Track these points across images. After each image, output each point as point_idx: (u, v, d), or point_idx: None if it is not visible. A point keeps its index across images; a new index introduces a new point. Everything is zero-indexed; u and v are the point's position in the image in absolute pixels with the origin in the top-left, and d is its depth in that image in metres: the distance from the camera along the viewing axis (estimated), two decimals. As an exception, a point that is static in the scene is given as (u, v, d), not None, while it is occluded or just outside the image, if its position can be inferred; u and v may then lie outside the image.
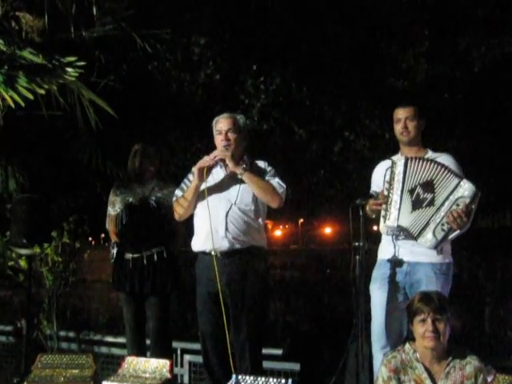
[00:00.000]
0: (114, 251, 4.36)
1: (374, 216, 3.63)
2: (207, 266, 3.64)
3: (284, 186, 3.68)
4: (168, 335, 4.31)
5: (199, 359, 4.76)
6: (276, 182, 3.67)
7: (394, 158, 3.67)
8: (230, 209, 3.60)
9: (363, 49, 7.30)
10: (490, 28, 6.94)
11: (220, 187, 3.66)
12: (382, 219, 3.57)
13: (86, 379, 3.69)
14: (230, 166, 3.59)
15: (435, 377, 2.84)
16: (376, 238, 3.82)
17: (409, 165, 3.47)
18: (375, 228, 3.92)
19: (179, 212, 3.76)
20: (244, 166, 3.61)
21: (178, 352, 5.02)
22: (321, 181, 8.28)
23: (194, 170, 3.60)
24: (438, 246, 3.41)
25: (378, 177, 3.73)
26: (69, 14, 4.88)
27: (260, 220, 3.70)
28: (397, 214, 3.45)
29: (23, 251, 4.55)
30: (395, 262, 3.55)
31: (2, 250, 5.75)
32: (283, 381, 2.92)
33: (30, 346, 4.49)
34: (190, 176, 3.78)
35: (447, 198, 3.36)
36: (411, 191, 3.45)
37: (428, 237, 3.39)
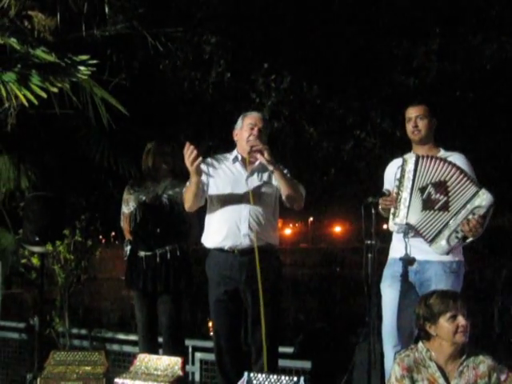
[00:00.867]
0: (128, 249, 4.37)
1: (386, 215, 3.62)
2: (222, 263, 3.64)
3: (304, 189, 3.72)
4: (180, 333, 4.32)
5: (210, 357, 4.77)
6: (299, 184, 3.71)
7: (406, 156, 3.66)
8: (252, 208, 3.60)
9: (374, 47, 7.28)
10: (502, 25, 6.90)
11: (240, 185, 3.65)
12: (391, 217, 3.57)
13: (99, 376, 3.72)
14: (265, 158, 3.50)
15: (448, 376, 2.83)
16: (386, 237, 3.82)
17: (420, 163, 3.47)
18: (385, 226, 3.91)
19: (187, 204, 3.74)
20: (277, 163, 3.59)
21: (190, 350, 5.03)
22: (331, 179, 8.26)
23: (189, 167, 3.50)
24: (449, 253, 3.41)
25: (390, 175, 3.72)
26: (81, 12, 4.90)
27: (276, 219, 3.73)
28: (406, 211, 3.45)
29: (36, 249, 4.58)
30: (406, 261, 3.54)
31: (15, 248, 5.79)
32: (295, 379, 2.92)
33: (42, 343, 4.52)
34: (204, 166, 3.73)
35: (464, 205, 3.34)
36: (422, 189, 3.44)
37: (441, 243, 3.39)
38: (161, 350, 4.28)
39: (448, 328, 2.81)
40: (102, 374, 3.75)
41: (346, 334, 4.86)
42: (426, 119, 3.63)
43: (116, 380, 3.38)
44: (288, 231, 44.45)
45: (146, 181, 4.37)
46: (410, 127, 3.65)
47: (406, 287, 3.55)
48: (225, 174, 3.70)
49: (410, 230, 3.51)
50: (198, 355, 5.02)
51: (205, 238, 3.77)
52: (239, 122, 3.77)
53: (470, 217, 3.32)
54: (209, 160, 3.80)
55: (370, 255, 3.36)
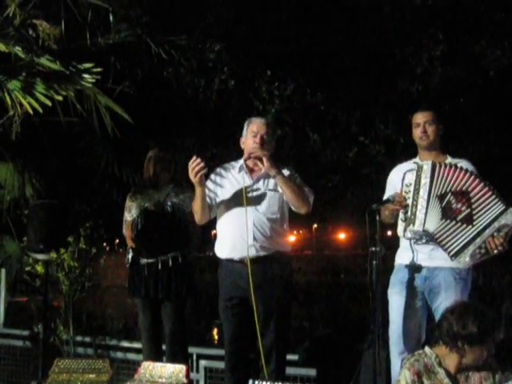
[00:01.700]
0: (130, 256, 4.37)
1: (392, 221, 3.60)
2: (232, 272, 3.64)
3: (312, 192, 3.70)
4: (184, 340, 4.31)
5: (215, 365, 4.77)
6: (306, 188, 3.68)
7: (419, 161, 3.62)
8: (257, 217, 3.58)
9: (377, 53, 7.28)
10: (505, 31, 6.90)
11: (247, 194, 3.63)
12: (400, 223, 3.54)
13: (103, 384, 3.71)
14: (266, 165, 3.52)
15: (457, 382, 2.83)
16: (390, 244, 3.80)
17: (437, 169, 3.44)
18: (389, 233, 3.90)
19: (196, 217, 3.76)
20: (278, 168, 3.59)
21: (194, 357, 5.02)
22: (335, 186, 8.25)
23: (192, 179, 3.52)
24: (470, 265, 3.38)
25: (396, 180, 3.70)
26: (85, 21, 4.92)
27: (285, 225, 3.70)
28: (423, 218, 3.40)
29: (40, 256, 4.59)
30: (414, 268, 3.54)
31: (19, 256, 5.80)
32: (300, 386, 2.91)
33: (46, 351, 4.52)
34: (208, 183, 3.75)
35: (491, 223, 3.31)
36: (440, 197, 3.41)
37: (465, 259, 3.34)
38: (164, 358, 4.27)
39: (479, 356, 2.82)
40: (106, 381, 3.76)
41: (350, 341, 4.84)
42: (434, 125, 3.63)
43: (120, 388, 3.37)
44: (292, 238, 44.36)
45: (148, 188, 4.37)
46: (418, 132, 3.65)
47: (415, 294, 3.55)
48: (231, 184, 3.69)
49: (426, 236, 3.48)
50: (203, 363, 5.02)
51: (216, 247, 3.78)
52: (244, 128, 3.77)
53: (495, 234, 3.30)
54: (217, 170, 3.80)
55: (374, 262, 3.35)
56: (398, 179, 3.65)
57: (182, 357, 4.18)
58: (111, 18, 5.05)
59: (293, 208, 3.66)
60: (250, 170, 3.70)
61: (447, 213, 3.39)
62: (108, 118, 4.79)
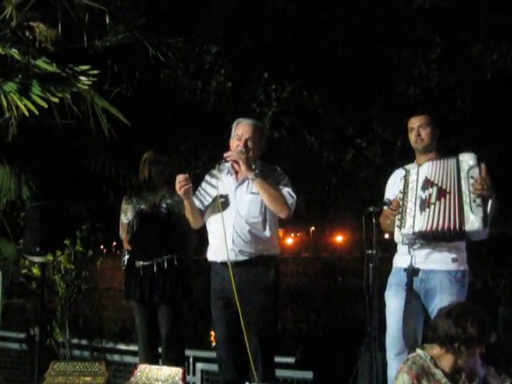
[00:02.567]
0: (126, 259, 4.36)
1: (390, 226, 3.60)
2: (218, 275, 3.66)
3: (294, 196, 3.63)
4: (180, 343, 4.30)
5: (212, 367, 4.76)
6: (286, 191, 3.62)
7: (408, 166, 3.67)
8: (237, 221, 3.58)
9: (374, 56, 7.30)
10: (502, 34, 6.92)
11: (229, 197, 3.63)
12: (396, 228, 3.56)
13: (99, 387, 3.70)
14: (242, 169, 3.54)
15: (455, 380, 2.85)
16: (387, 246, 3.81)
17: (421, 171, 3.49)
18: (387, 236, 3.90)
19: (190, 222, 3.78)
20: (256, 171, 3.59)
21: (191, 360, 5.01)
22: (333, 189, 8.26)
23: (179, 192, 3.55)
24: (486, 224, 3.27)
25: (392, 186, 3.74)
26: (82, 23, 4.92)
27: (268, 229, 3.64)
28: (412, 221, 3.43)
29: (36, 259, 4.57)
30: (410, 270, 3.54)
31: (16, 258, 5.78)
32: (296, 389, 2.91)
33: (42, 354, 4.50)
34: (203, 184, 3.77)
35: (458, 177, 3.35)
36: (419, 196, 3.45)
37: (471, 219, 3.27)
38: (161, 360, 4.26)
39: (474, 357, 2.84)
40: (103, 384, 3.74)
41: (347, 344, 4.84)
42: (429, 128, 3.63)
43: (116, 391, 3.37)
44: (289, 241, 44.37)
45: (143, 190, 4.37)
46: (412, 137, 3.67)
47: (411, 296, 3.55)
48: (216, 187, 3.66)
49: (419, 238, 3.48)
50: (199, 365, 5.01)
51: (207, 250, 3.79)
52: (232, 130, 3.74)
53: (472, 181, 3.30)
54: (211, 171, 3.79)
55: (371, 265, 3.35)
56: (394, 185, 3.69)
57: (179, 359, 4.17)
58: (108, 20, 5.04)
59: (272, 212, 3.63)
60: (236, 173, 3.68)
61: (423, 205, 3.40)
62: (104, 121, 4.78)
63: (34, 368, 4.36)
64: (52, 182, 6.07)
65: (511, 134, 7.50)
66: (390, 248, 3.77)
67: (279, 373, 4.16)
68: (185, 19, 6.68)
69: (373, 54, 7.28)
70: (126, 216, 4.36)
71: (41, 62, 4.20)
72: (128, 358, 5.28)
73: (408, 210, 3.46)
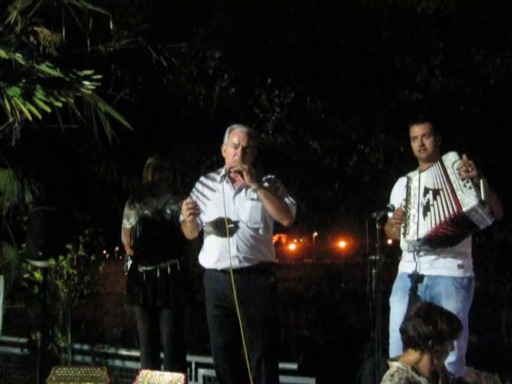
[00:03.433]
0: (128, 264, 4.36)
1: (396, 234, 3.59)
2: (217, 282, 3.63)
3: (295, 203, 3.65)
4: (182, 349, 4.29)
5: (213, 373, 4.72)
6: (288, 199, 3.63)
7: (410, 174, 3.67)
8: (240, 228, 3.56)
9: (377, 62, 7.30)
10: (504, 40, 6.92)
11: (228, 204, 3.58)
12: (401, 236, 3.55)
13: (101, 392, 3.69)
14: (246, 180, 3.50)
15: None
16: (390, 252, 3.80)
17: (422, 177, 3.53)
18: (390, 242, 3.90)
19: (186, 235, 3.79)
20: (260, 182, 3.56)
21: (193, 366, 5.00)
22: (335, 194, 8.25)
23: (185, 216, 3.52)
24: (482, 201, 3.27)
25: (397, 194, 3.76)
26: (86, 28, 4.92)
27: (268, 235, 3.67)
28: (416, 227, 3.44)
29: (39, 263, 4.56)
30: (416, 276, 3.55)
31: (18, 263, 5.78)
32: (299, 396, 2.90)
33: (44, 359, 4.49)
34: (192, 195, 3.73)
35: (446, 174, 3.40)
36: (421, 203, 3.47)
37: (466, 200, 3.28)
38: (163, 366, 4.25)
39: (447, 352, 2.88)
40: (104, 390, 3.73)
41: (350, 350, 4.83)
42: (432, 137, 3.64)
43: (118, 396, 3.36)
44: (292, 246, 44.31)
45: (147, 196, 4.36)
46: (415, 146, 3.67)
47: (416, 301, 3.54)
48: (214, 195, 3.64)
49: (424, 245, 3.49)
50: (201, 371, 5.00)
51: (201, 257, 3.76)
52: (225, 136, 3.70)
53: (456, 172, 3.36)
54: (202, 179, 3.77)
55: (374, 270, 3.35)
56: (397, 193, 3.72)
57: (181, 365, 4.16)
58: (112, 25, 5.05)
59: (275, 219, 3.63)
60: (232, 180, 3.65)
61: (426, 210, 3.43)
62: (108, 126, 4.78)
63: (36, 373, 4.35)
64: (55, 187, 6.07)
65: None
66: (394, 254, 3.77)
67: (282, 379, 4.13)
68: (188, 24, 6.69)
69: (376, 59, 7.28)
70: (129, 221, 4.36)
71: (45, 67, 4.20)
72: (130, 364, 5.27)
73: (411, 217, 3.48)
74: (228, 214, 3.55)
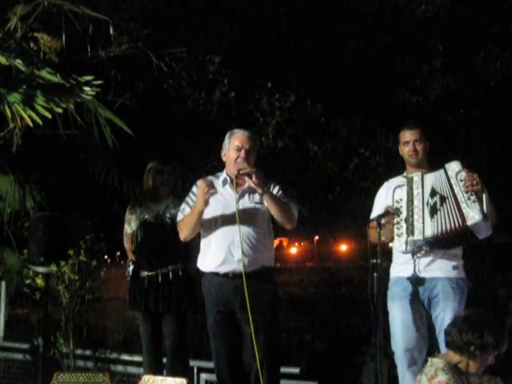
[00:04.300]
0: (130, 269, 4.36)
1: (386, 235, 3.59)
2: (218, 286, 3.62)
3: (297, 207, 3.68)
4: (185, 353, 4.29)
5: (215, 378, 4.73)
6: (292, 203, 3.65)
7: (408, 175, 3.67)
8: (244, 231, 3.55)
9: (377, 65, 7.30)
10: (504, 42, 6.92)
11: (231, 208, 3.58)
12: (397, 238, 3.56)
13: (103, 398, 3.69)
14: (254, 183, 3.47)
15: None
16: (391, 256, 3.80)
17: (426, 179, 3.56)
18: (391, 245, 3.90)
19: (185, 234, 3.71)
20: (268, 185, 3.58)
21: (195, 370, 4.99)
22: (336, 198, 8.24)
23: (201, 197, 3.48)
24: (485, 216, 3.35)
25: (384, 196, 3.77)
26: (86, 34, 4.94)
27: (271, 240, 3.69)
28: (421, 227, 3.47)
29: (40, 269, 4.57)
30: (414, 279, 3.56)
31: (19, 268, 5.78)
32: (301, 400, 2.89)
33: (46, 364, 4.49)
34: (192, 196, 3.72)
35: (449, 184, 3.46)
36: (428, 203, 3.51)
37: (471, 214, 3.36)
38: (165, 371, 4.24)
39: (485, 364, 2.89)
40: (106, 395, 3.72)
41: (352, 354, 4.82)
42: (423, 143, 3.72)
43: (120, 402, 3.35)
44: (294, 250, 44.27)
45: (147, 200, 4.37)
46: (407, 150, 3.72)
47: (415, 305, 3.57)
48: (215, 198, 3.59)
49: (426, 245, 3.52)
50: (204, 376, 5.00)
51: (200, 262, 3.75)
52: (226, 141, 3.71)
53: (462, 183, 3.42)
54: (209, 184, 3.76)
55: (375, 274, 3.35)
56: (388, 196, 3.72)
57: (183, 370, 4.15)
58: (112, 30, 5.06)
59: (278, 223, 3.63)
60: (236, 184, 3.64)
61: (432, 212, 3.48)
62: (108, 131, 4.79)
63: (38, 378, 4.35)
64: (56, 192, 6.08)
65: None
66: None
67: (284, 383, 4.14)
68: (188, 29, 6.70)
69: (376, 62, 7.29)
70: (130, 226, 4.36)
71: (45, 73, 4.21)
72: (132, 369, 5.27)
73: (416, 217, 3.50)
74: (231, 217, 3.55)
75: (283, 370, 4.02)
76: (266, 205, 3.59)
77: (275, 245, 3.91)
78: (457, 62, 7.13)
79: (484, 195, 3.38)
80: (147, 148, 6.29)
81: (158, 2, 6.32)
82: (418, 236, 3.47)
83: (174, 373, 4.02)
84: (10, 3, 4.41)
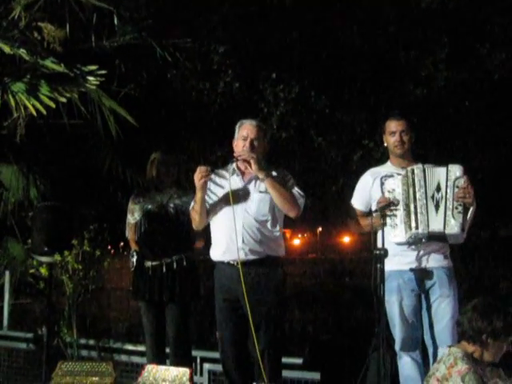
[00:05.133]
0: (134, 259, 4.36)
1: (376, 225, 3.60)
2: (225, 275, 3.65)
3: (303, 195, 3.67)
4: (188, 343, 4.30)
5: (219, 368, 4.74)
6: (296, 191, 3.65)
7: (408, 167, 3.65)
8: (246, 220, 3.58)
9: (382, 56, 7.28)
10: (510, 35, 6.89)
11: (237, 197, 3.62)
12: (390, 229, 3.57)
13: (106, 387, 3.70)
14: (253, 168, 3.54)
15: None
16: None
17: (427, 172, 3.56)
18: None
19: (194, 222, 3.77)
20: (267, 171, 3.59)
21: (198, 360, 5.01)
22: (340, 189, 8.23)
23: (197, 182, 3.56)
24: (464, 228, 3.48)
25: (371, 184, 3.77)
26: (90, 24, 4.93)
27: (277, 229, 3.67)
28: (426, 219, 3.49)
29: (44, 259, 4.58)
30: (413, 271, 3.59)
31: (23, 258, 5.80)
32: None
33: (50, 354, 4.51)
34: (208, 182, 3.75)
35: (446, 184, 3.49)
36: (432, 197, 3.52)
37: (452, 223, 3.46)
38: (168, 361, 4.26)
39: (500, 351, 2.90)
40: (110, 384, 3.74)
41: (355, 345, 4.83)
42: (409, 134, 3.72)
43: (124, 391, 3.37)
44: (297, 241, 44.29)
45: (151, 191, 4.37)
46: (393, 141, 3.72)
47: (413, 297, 3.61)
48: (223, 188, 3.66)
49: (428, 238, 3.54)
50: (207, 366, 5.01)
51: (211, 250, 3.79)
52: (236, 131, 3.76)
53: (456, 189, 3.47)
54: (212, 176, 3.76)
55: (378, 265, 3.36)
56: (375, 185, 3.73)
57: (186, 360, 4.16)
58: (116, 20, 5.05)
59: (282, 211, 3.64)
60: (242, 173, 3.69)
61: (437, 207, 3.52)
62: (112, 121, 4.79)
63: (42, 368, 4.37)
64: (60, 182, 6.08)
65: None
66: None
67: (286, 374, 4.16)
68: (192, 19, 6.68)
69: (380, 54, 7.26)
70: (134, 216, 4.36)
71: (49, 62, 4.21)
72: (135, 359, 5.29)
73: (420, 210, 3.51)
74: (236, 206, 3.57)
75: (286, 360, 4.04)
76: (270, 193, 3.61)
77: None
78: (462, 53, 7.10)
79: (471, 209, 3.48)
80: (151, 138, 6.29)
81: (162, -9, 6.30)
82: (423, 229, 3.49)
83: (177, 362, 4.04)
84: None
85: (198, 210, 3.65)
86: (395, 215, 3.56)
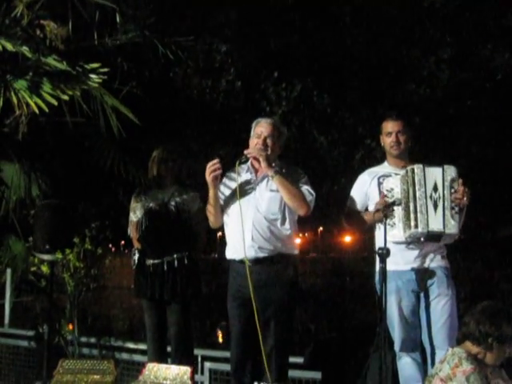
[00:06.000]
0: (136, 257, 4.35)
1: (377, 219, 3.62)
2: (237, 273, 3.67)
3: (313, 194, 3.68)
4: (189, 342, 4.29)
5: (220, 367, 4.76)
6: (305, 189, 3.66)
7: (408, 167, 3.64)
8: (256, 217, 3.59)
9: (385, 55, 7.27)
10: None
11: (248, 194, 3.65)
12: (389, 228, 3.56)
13: (107, 385, 3.70)
14: (262, 166, 3.58)
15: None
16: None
17: (427, 172, 3.56)
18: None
19: (210, 221, 3.82)
20: (276, 168, 3.61)
21: (199, 359, 5.01)
22: (341, 188, 8.22)
23: (208, 179, 3.61)
24: (459, 229, 3.53)
25: (368, 184, 3.79)
26: (92, 21, 4.92)
27: (287, 227, 3.66)
28: (426, 219, 3.49)
29: (46, 257, 4.57)
30: (413, 271, 3.61)
31: (25, 256, 5.80)
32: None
33: (51, 351, 4.51)
34: (224, 179, 3.78)
35: (443, 185, 3.52)
36: (430, 196, 3.54)
37: (451, 223, 3.49)
38: (169, 359, 4.26)
39: (502, 356, 2.90)
40: (111, 382, 3.75)
41: (356, 344, 4.82)
42: (406, 134, 3.74)
43: (125, 389, 3.37)
44: (297, 241, 44.24)
45: (152, 189, 4.37)
46: (389, 141, 3.74)
47: (412, 296, 3.64)
48: (236, 185, 3.68)
49: (427, 238, 3.55)
50: (208, 365, 5.01)
51: (226, 250, 3.81)
52: (252, 129, 3.79)
53: (453, 190, 3.50)
54: (227, 173, 3.81)
55: (380, 265, 3.35)
56: (373, 185, 3.76)
57: (187, 358, 4.15)
58: (118, 18, 5.04)
59: (291, 209, 3.65)
60: (256, 171, 3.72)
61: (435, 206, 3.53)
62: (114, 119, 4.78)
63: (43, 366, 4.36)
64: (61, 180, 6.08)
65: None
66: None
67: (288, 373, 4.14)
68: (195, 18, 6.68)
69: (383, 53, 7.25)
70: (135, 214, 4.36)
71: (51, 60, 4.20)
72: (136, 357, 5.29)
73: (419, 209, 3.51)
74: (247, 203, 3.61)
75: (287, 359, 4.03)
76: None
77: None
78: (465, 53, 7.10)
79: (464, 210, 3.54)
80: (152, 136, 6.28)
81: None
82: (423, 229, 3.49)
83: (178, 361, 4.03)
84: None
85: (213, 208, 3.70)
86: (393, 215, 3.57)
